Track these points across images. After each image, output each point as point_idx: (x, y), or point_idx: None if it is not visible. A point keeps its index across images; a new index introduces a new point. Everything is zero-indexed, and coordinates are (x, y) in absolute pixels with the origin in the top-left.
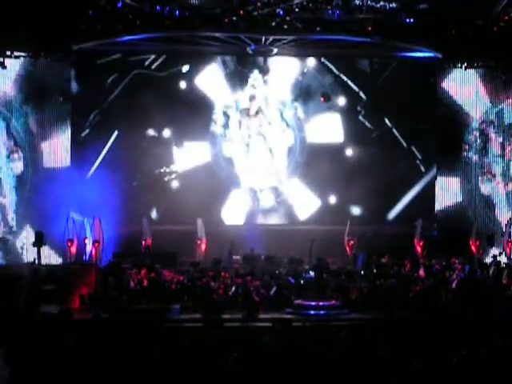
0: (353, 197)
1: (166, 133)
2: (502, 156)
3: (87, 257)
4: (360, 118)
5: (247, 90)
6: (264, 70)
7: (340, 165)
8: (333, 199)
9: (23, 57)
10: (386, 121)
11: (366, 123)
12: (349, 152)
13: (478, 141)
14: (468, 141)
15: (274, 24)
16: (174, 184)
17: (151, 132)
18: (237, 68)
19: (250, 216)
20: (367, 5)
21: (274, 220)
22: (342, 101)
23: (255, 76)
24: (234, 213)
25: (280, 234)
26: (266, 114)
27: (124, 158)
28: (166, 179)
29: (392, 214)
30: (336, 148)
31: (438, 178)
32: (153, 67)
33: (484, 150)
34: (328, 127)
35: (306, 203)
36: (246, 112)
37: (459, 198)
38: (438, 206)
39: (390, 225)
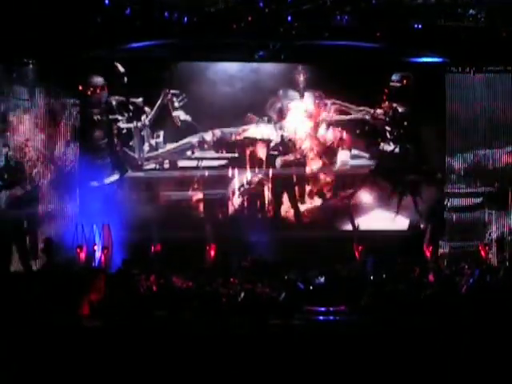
0: None
1: None
2: None
3: (96, 263)
4: None
5: None
6: None
7: None
8: None
9: (32, 64)
10: None
11: None
12: None
13: None
14: None
15: (282, 30)
16: None
17: None
18: None
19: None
20: (376, 11)
21: None
22: None
23: None
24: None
25: (288, 239)
26: None
27: None
28: None
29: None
30: None
31: None
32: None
33: None
34: None
35: None
36: None
37: None
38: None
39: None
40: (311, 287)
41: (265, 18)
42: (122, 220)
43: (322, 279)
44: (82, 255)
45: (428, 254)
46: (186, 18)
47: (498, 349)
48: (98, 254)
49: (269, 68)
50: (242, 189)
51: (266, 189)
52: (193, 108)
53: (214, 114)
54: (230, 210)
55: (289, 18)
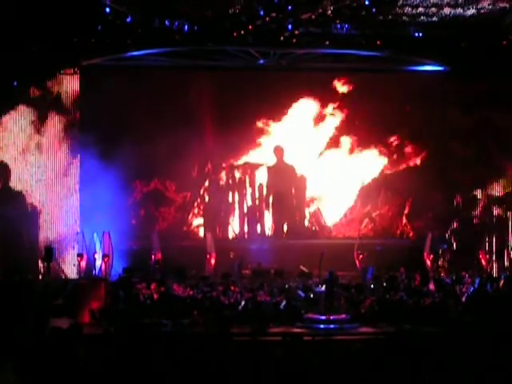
0: None
1: None
2: None
3: (97, 271)
4: None
5: None
6: None
7: None
8: None
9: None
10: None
11: None
12: None
13: None
14: None
15: (282, 38)
16: None
17: None
18: None
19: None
20: (376, 19)
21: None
22: None
23: None
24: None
25: (289, 247)
26: None
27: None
28: None
29: None
30: None
31: None
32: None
33: None
34: None
35: None
36: None
37: None
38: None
39: (399, 238)
40: (312, 295)
41: (265, 26)
42: (123, 228)
43: (323, 287)
44: (83, 263)
45: (428, 263)
46: (186, 27)
47: (499, 357)
48: (98, 262)
49: None
50: (242, 213)
51: (266, 214)
52: None
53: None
54: (230, 234)
55: (289, 27)
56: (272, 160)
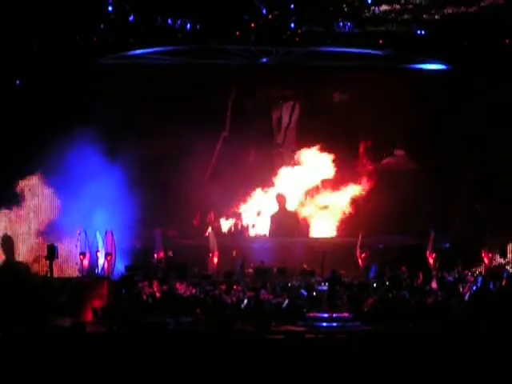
0: None
1: None
2: None
3: (99, 270)
4: None
5: None
6: None
7: None
8: None
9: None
10: None
11: None
12: None
13: None
14: None
15: (285, 37)
16: None
17: None
18: None
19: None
20: (379, 17)
21: None
22: None
23: None
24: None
25: (291, 246)
26: None
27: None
28: None
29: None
30: None
31: None
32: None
33: None
34: None
35: None
36: None
37: None
38: None
39: (402, 237)
40: (314, 294)
41: (268, 24)
42: (126, 227)
43: (326, 286)
44: (85, 262)
45: (431, 261)
46: (189, 25)
47: (501, 355)
48: (101, 261)
49: None
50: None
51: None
52: None
53: None
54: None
55: (292, 25)
56: (274, 208)
